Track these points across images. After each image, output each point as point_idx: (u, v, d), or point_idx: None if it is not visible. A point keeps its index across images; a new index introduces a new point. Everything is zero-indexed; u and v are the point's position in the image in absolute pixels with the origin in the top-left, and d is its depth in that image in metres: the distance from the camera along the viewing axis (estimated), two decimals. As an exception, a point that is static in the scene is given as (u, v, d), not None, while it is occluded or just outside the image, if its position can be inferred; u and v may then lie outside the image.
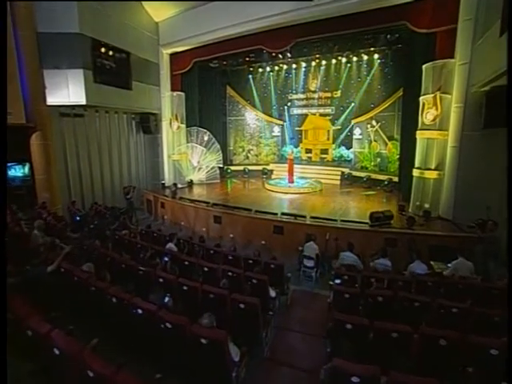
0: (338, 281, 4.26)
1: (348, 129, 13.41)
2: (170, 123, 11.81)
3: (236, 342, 2.76)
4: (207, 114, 14.01)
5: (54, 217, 6.79)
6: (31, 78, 7.61)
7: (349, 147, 13.53)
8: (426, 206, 7.43)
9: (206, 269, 4.38)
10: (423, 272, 4.68)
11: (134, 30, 10.25)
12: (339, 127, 13.64)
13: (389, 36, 9.69)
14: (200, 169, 12.89)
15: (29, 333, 2.09)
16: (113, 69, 9.58)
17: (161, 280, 3.78)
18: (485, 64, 5.89)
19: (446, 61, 6.88)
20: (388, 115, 12.11)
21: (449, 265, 4.90)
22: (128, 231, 6.30)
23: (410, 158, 8.46)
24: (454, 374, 2.39)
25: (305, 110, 14.47)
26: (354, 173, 12.73)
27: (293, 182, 11.86)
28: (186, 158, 12.46)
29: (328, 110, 13.88)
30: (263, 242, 7.53)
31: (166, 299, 3.17)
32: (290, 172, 12.07)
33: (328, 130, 13.94)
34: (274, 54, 11.60)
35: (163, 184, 11.81)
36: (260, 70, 14.50)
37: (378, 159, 12.47)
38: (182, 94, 11.93)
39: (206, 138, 12.90)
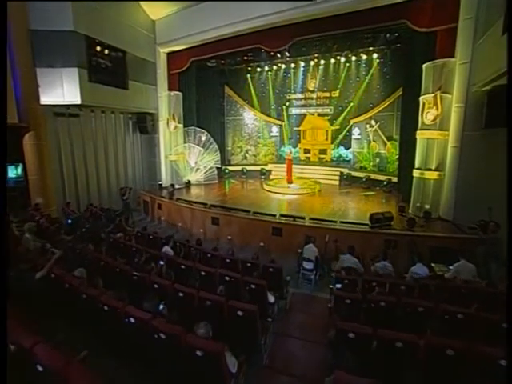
0: (338, 285, 4.15)
1: (347, 129, 13.33)
2: (167, 123, 11.66)
3: (234, 352, 2.65)
4: (205, 113, 13.87)
5: (47, 219, 6.63)
6: (24, 76, 7.44)
7: (347, 147, 13.46)
8: (427, 206, 7.36)
9: (202, 273, 4.26)
10: (425, 275, 4.60)
11: (130, 28, 10.09)
12: (338, 127, 13.56)
13: (388, 35, 9.62)
14: (198, 169, 12.75)
15: (11, 347, 1.95)
16: (109, 68, 9.41)
17: (156, 286, 3.65)
18: (486, 63, 5.81)
19: (447, 60, 6.81)
20: (387, 115, 12.06)
21: (450, 267, 4.82)
22: (123, 234, 6.16)
23: (409, 159, 8.39)
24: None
25: (303, 110, 14.38)
26: (353, 173, 12.66)
27: (291, 183, 11.75)
28: (184, 158, 12.32)
29: (326, 110, 13.80)
30: (261, 244, 7.42)
31: (161, 307, 3.04)
32: (289, 172, 11.97)
33: (326, 130, 13.85)
34: (272, 54, 11.50)
35: (160, 185, 11.66)
36: (258, 69, 14.38)
37: (377, 159, 12.41)
38: (180, 93, 11.79)
39: (203, 138, 12.76)
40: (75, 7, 7.87)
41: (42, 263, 3.49)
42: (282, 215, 7.67)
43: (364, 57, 12.01)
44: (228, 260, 5.06)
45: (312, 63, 13.22)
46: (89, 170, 10.15)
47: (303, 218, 7.34)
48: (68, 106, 8.87)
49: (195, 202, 9.26)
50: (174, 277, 3.97)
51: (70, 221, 6.50)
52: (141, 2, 10.34)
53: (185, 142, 12.32)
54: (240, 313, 3.06)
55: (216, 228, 8.39)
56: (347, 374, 1.98)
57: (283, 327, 4.06)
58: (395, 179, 10.76)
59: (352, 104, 12.99)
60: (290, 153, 12.81)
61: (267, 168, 14.59)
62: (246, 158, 15.63)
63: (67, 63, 7.96)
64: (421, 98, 7.30)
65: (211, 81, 14.22)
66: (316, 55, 12.34)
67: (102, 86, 9.02)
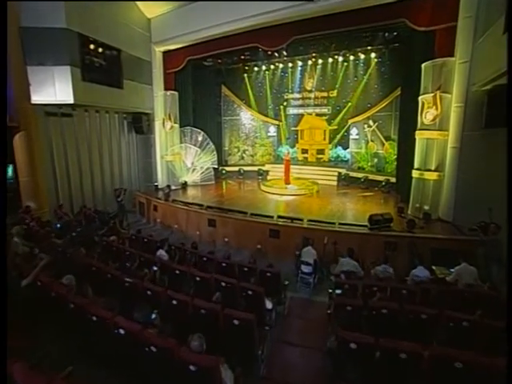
0: (338, 291, 4.02)
1: (345, 129, 13.24)
2: (163, 123, 11.47)
3: (229, 364, 2.51)
4: (201, 113, 13.68)
5: (37, 222, 6.44)
6: (14, 74, 7.21)
7: (345, 147, 13.36)
8: (426, 207, 7.27)
9: (197, 278, 4.11)
10: (426, 278, 4.49)
11: (125, 26, 9.89)
12: (336, 127, 13.45)
13: (387, 34, 9.54)
14: (194, 170, 12.56)
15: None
16: (103, 66, 9.20)
17: (149, 292, 3.50)
18: (486, 62, 5.72)
19: (446, 59, 6.72)
20: (385, 115, 11.99)
21: (451, 270, 4.73)
22: (116, 237, 5.98)
23: (407, 159, 8.31)
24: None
25: (301, 110, 14.25)
26: (351, 173, 12.56)
27: (289, 184, 11.63)
28: (180, 158, 12.13)
29: (324, 110, 13.68)
30: (259, 247, 7.28)
31: (153, 316, 2.89)
32: (287, 173, 11.85)
33: (324, 130, 13.73)
34: (269, 53, 11.36)
35: (156, 186, 11.47)
36: (255, 68, 14.22)
37: (375, 159, 12.34)
38: (176, 93, 11.60)
39: (200, 139, 12.57)
40: (68, 4, 7.66)
41: (28, 269, 3.33)
42: (279, 217, 7.54)
43: (362, 56, 11.91)
44: (224, 264, 4.92)
45: (310, 63, 13.10)
46: (83, 171, 9.92)
47: (301, 220, 7.21)
48: (60, 106, 8.65)
49: (191, 204, 9.10)
50: (167, 283, 3.82)
51: (58, 225, 6.28)
52: (136, 1, 10.15)
53: (181, 143, 12.12)
54: (236, 322, 2.93)
55: (212, 230, 8.24)
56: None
57: (281, 334, 3.93)
58: (393, 179, 10.68)
59: (350, 104, 12.88)
60: (288, 153, 12.67)
61: (264, 168, 14.44)
62: (243, 158, 15.47)
63: (59, 61, 7.74)
64: (420, 97, 7.21)
65: (208, 80, 14.04)
66: (314, 54, 12.21)
67: (95, 85, 8.81)
